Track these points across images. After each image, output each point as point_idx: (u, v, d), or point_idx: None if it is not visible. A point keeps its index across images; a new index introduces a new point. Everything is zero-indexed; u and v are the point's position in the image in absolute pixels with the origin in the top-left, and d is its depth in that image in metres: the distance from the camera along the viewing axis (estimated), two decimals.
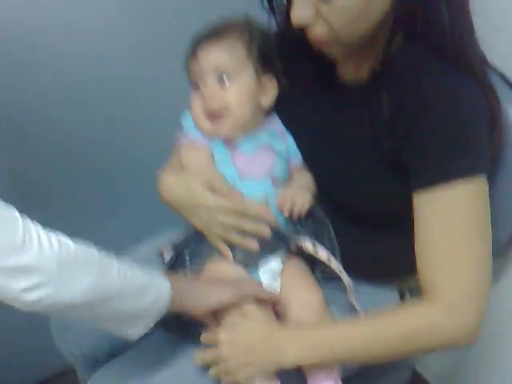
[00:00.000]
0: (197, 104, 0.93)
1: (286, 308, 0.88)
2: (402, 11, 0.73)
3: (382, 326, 0.80)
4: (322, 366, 0.84)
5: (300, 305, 0.87)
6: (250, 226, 0.88)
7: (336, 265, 0.89)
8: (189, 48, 0.93)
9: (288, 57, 0.96)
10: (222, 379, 0.83)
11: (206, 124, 0.93)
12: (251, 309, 0.84)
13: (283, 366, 0.81)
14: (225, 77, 0.90)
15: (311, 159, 0.97)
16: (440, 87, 0.75)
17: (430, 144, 0.75)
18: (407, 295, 1.06)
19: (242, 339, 0.82)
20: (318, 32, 0.77)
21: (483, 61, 0.81)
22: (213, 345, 0.83)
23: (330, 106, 0.91)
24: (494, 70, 0.87)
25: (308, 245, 0.89)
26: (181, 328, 0.90)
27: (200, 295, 0.82)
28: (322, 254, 0.89)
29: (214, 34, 0.91)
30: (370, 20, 0.75)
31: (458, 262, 0.76)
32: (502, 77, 0.89)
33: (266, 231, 0.88)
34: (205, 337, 0.85)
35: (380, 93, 0.81)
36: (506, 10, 0.90)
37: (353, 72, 0.88)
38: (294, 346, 0.81)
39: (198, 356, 0.85)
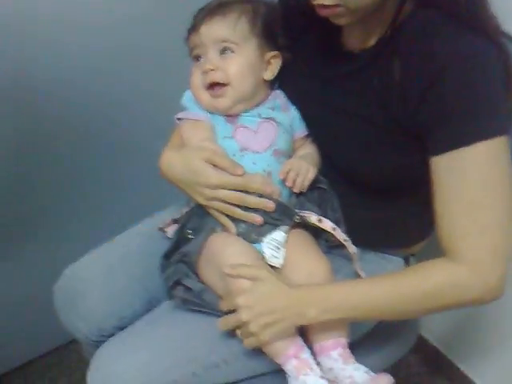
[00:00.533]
0: (197, 77, 0.92)
1: (291, 278, 0.88)
2: None
3: (404, 283, 0.80)
4: (330, 335, 0.85)
5: (307, 274, 0.87)
6: (252, 200, 0.88)
7: (341, 234, 0.90)
8: (190, 21, 0.92)
9: (291, 27, 0.95)
10: (245, 342, 0.84)
11: (205, 97, 0.92)
12: (263, 273, 0.84)
13: (304, 323, 0.82)
14: (227, 50, 0.89)
15: (318, 129, 0.96)
16: (454, 50, 0.74)
17: (447, 107, 0.75)
18: (411, 261, 1.06)
19: (261, 301, 0.81)
20: (325, 2, 0.76)
21: (496, 23, 0.80)
22: (232, 311, 0.84)
23: (336, 75, 0.90)
24: (507, 34, 0.85)
25: (311, 216, 0.89)
26: (196, 300, 0.91)
27: None
28: (327, 224, 0.89)
29: (217, 7, 0.90)
30: None
31: (480, 220, 0.76)
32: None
33: (270, 205, 0.88)
34: (223, 304, 0.86)
35: (390, 58, 0.80)
36: None
37: (360, 39, 0.87)
38: (316, 304, 0.81)
39: (221, 322, 0.85)
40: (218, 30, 0.89)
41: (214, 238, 0.91)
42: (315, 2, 0.78)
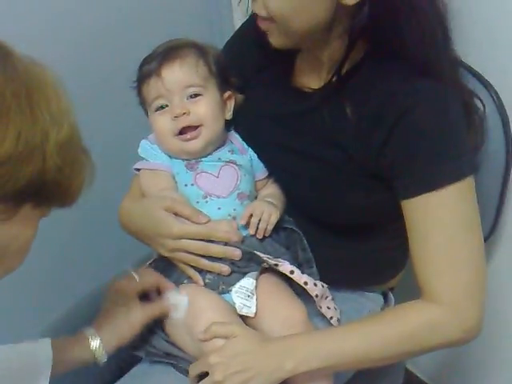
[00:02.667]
0: (164, 125, 0.89)
1: (265, 327, 0.84)
2: (362, 21, 0.73)
3: (381, 327, 0.79)
4: (315, 378, 0.81)
5: (280, 321, 0.84)
6: (217, 249, 0.85)
7: (301, 277, 0.86)
8: (144, 70, 0.90)
9: (243, 66, 0.95)
10: None
11: (176, 144, 0.89)
12: (237, 329, 0.80)
13: (282, 377, 0.78)
14: (194, 94, 0.88)
15: (274, 169, 0.95)
16: (413, 90, 0.75)
17: (413, 150, 0.75)
18: (390, 295, 1.03)
19: (235, 358, 0.77)
20: (259, 13, 0.77)
21: (455, 63, 0.81)
22: (204, 372, 0.79)
23: (288, 114, 0.89)
24: (467, 67, 0.87)
25: (268, 259, 0.85)
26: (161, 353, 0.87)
27: (121, 329, 0.85)
28: (284, 267, 0.85)
29: (170, 53, 0.88)
30: (311, 16, 0.74)
31: (454, 259, 0.76)
32: (475, 74, 0.88)
33: (236, 253, 0.85)
34: (194, 367, 0.81)
35: (342, 101, 0.80)
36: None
37: (311, 78, 0.87)
38: (292, 357, 0.77)
39: None
40: (182, 75, 0.88)
41: (181, 291, 0.86)
42: (253, 9, 0.79)
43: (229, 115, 0.94)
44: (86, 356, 0.84)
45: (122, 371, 0.93)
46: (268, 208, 0.88)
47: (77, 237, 1.37)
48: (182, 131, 0.89)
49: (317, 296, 0.86)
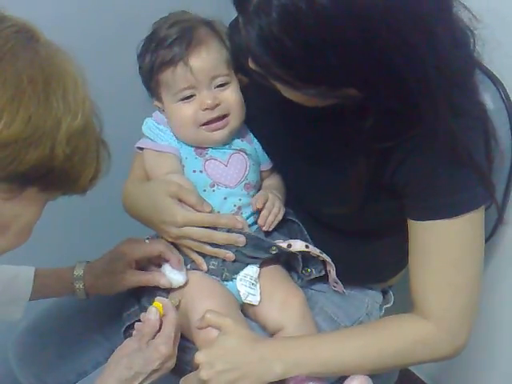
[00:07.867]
0: (190, 114, 0.85)
1: (264, 312, 0.86)
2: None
3: (376, 341, 0.79)
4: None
5: (278, 306, 0.85)
6: (221, 236, 0.84)
7: (314, 249, 0.87)
8: (163, 55, 0.84)
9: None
10: None
11: (201, 134, 0.86)
12: (228, 323, 0.78)
13: (270, 380, 0.77)
14: (223, 82, 0.85)
15: (279, 165, 0.94)
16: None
17: (430, 177, 0.73)
18: (390, 293, 1.03)
19: (223, 357, 0.75)
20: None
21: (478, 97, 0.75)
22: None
23: (303, 118, 0.82)
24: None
25: (281, 243, 0.86)
26: None
27: (107, 285, 0.89)
28: (297, 245, 0.86)
29: (194, 37, 0.83)
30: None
31: (453, 282, 0.77)
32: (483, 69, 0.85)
33: (240, 240, 0.84)
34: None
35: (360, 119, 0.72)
36: None
37: None
38: (281, 360, 0.76)
39: (183, 382, 0.79)
40: (211, 65, 0.84)
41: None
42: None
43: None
44: (66, 289, 0.90)
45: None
46: (278, 203, 0.88)
47: (81, 219, 1.34)
48: (209, 121, 0.86)
49: (333, 269, 0.88)
